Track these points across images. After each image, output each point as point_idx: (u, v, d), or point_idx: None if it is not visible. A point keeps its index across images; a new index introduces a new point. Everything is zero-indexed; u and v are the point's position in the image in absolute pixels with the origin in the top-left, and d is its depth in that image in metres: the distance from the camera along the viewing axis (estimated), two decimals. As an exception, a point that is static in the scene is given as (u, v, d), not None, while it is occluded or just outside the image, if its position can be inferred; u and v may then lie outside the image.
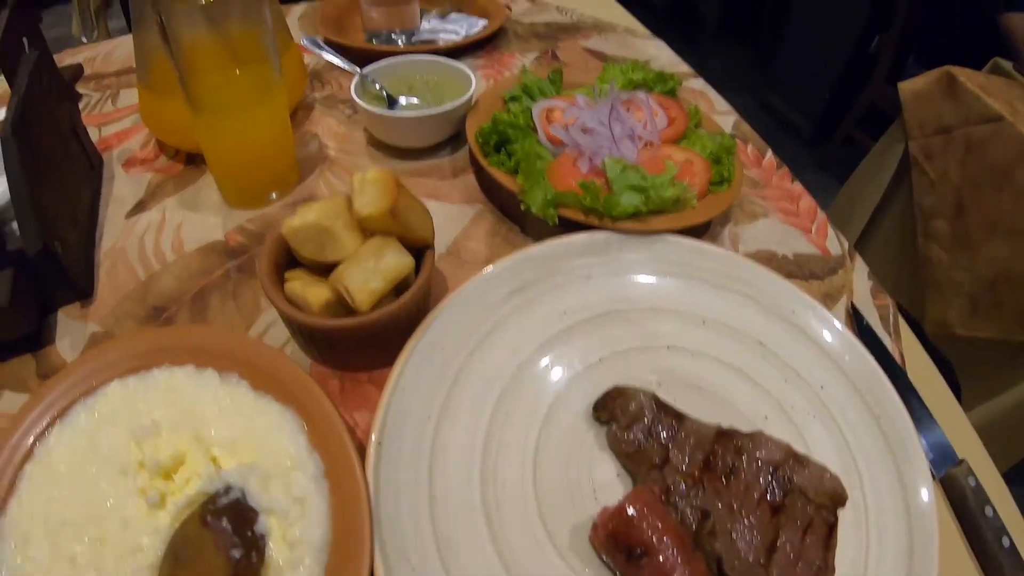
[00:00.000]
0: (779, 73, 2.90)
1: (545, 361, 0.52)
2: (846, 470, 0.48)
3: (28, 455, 0.43)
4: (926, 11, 2.02)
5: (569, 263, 0.57)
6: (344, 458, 0.43)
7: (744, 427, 0.49)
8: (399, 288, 0.50)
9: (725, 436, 0.47)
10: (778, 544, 0.42)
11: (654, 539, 0.41)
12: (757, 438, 0.47)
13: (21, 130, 0.58)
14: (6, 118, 0.58)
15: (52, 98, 0.71)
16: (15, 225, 0.58)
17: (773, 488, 0.45)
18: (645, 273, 0.59)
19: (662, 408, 0.49)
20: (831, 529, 0.44)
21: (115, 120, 0.87)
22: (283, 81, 0.66)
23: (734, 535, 0.43)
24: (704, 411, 0.50)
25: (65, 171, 0.68)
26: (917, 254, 1.35)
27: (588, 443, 0.49)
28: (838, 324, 0.56)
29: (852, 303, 0.64)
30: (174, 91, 0.65)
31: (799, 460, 0.46)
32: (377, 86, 0.77)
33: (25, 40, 0.74)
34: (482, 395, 0.49)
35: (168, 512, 0.40)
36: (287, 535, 0.40)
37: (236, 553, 0.38)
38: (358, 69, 0.78)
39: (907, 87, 1.38)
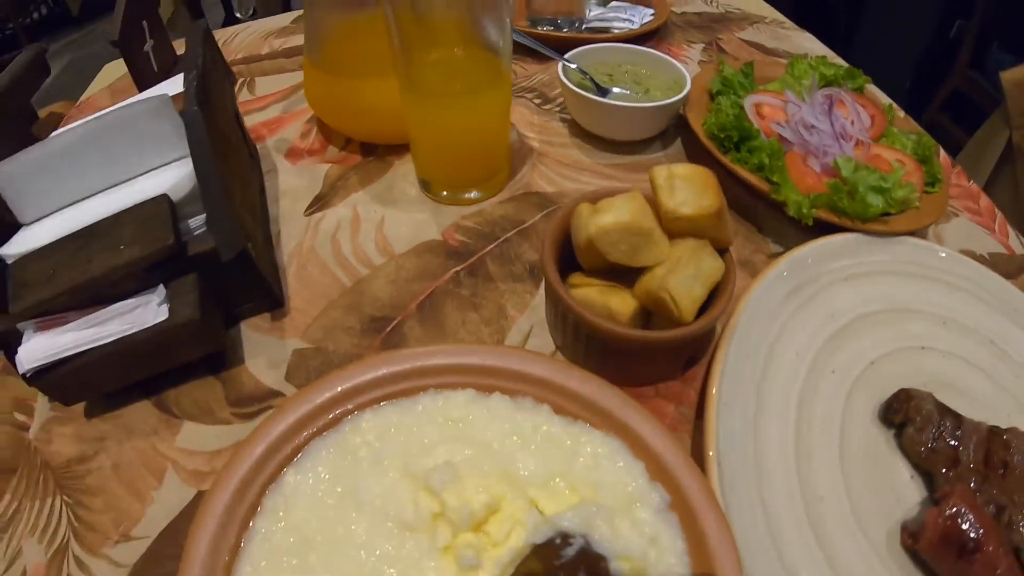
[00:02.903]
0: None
1: (828, 365, 0.54)
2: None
3: (255, 508, 0.34)
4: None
5: (829, 265, 0.59)
6: (690, 486, 0.37)
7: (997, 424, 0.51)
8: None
9: (994, 433, 0.50)
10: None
11: (982, 534, 0.43)
12: (1019, 434, 0.50)
13: (203, 107, 0.47)
14: (187, 92, 0.48)
15: (218, 75, 0.62)
16: (192, 222, 0.49)
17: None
18: (890, 274, 0.60)
19: (944, 409, 0.51)
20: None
21: (257, 109, 0.80)
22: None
23: (1026, 525, 0.45)
24: (962, 411, 0.52)
25: (238, 160, 0.59)
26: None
27: (882, 446, 0.51)
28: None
29: None
30: (349, 71, 0.59)
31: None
32: (582, 72, 0.76)
33: (145, 24, 0.68)
34: (784, 405, 0.51)
35: (489, 574, 0.33)
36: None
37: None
38: (558, 55, 0.76)
39: (1009, 76, 1.36)
